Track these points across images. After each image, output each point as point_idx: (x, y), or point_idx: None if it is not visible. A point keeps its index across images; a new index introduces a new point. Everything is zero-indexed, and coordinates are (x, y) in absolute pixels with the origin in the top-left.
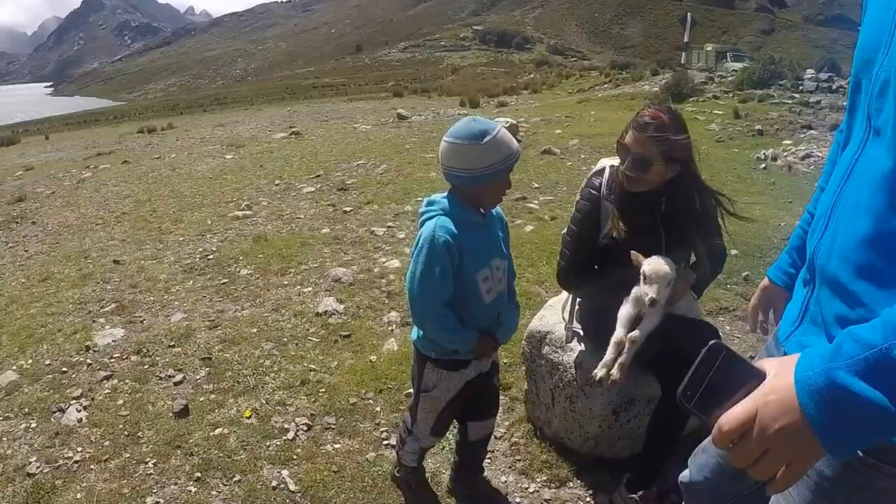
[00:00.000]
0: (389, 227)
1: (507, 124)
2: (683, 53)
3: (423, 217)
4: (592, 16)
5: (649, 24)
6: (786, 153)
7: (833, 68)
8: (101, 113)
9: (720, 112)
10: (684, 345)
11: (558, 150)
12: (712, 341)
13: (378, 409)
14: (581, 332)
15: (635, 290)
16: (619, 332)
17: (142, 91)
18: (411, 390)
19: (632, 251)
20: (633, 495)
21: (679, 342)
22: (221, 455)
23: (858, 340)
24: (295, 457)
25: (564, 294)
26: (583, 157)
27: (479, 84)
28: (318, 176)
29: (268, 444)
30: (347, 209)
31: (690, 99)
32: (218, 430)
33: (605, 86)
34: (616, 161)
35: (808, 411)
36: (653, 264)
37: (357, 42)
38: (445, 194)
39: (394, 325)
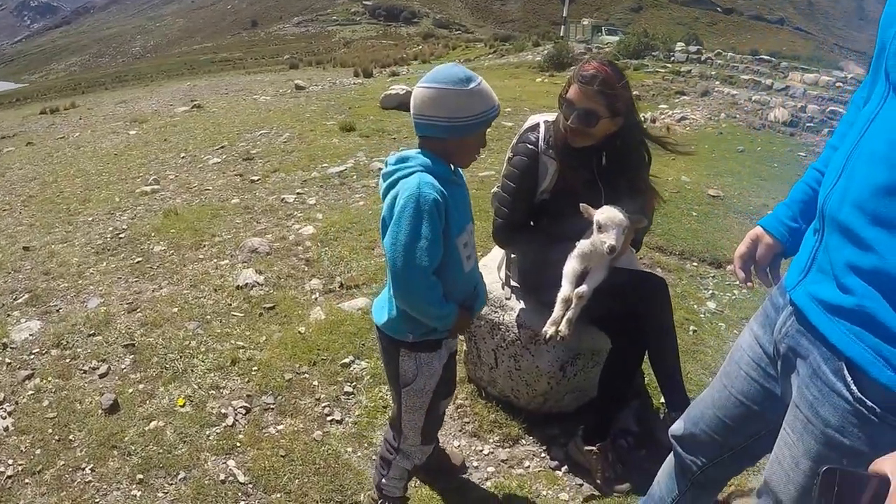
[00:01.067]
0: (299, 193)
1: (403, 91)
2: (562, 27)
3: (397, 174)
4: None
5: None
6: (663, 116)
7: (698, 42)
8: (3, 95)
9: None
10: (631, 297)
11: None
12: (824, 467)
13: (315, 382)
14: (520, 291)
15: (582, 244)
16: (565, 288)
17: (43, 72)
18: (346, 360)
19: (581, 203)
20: (590, 447)
21: (625, 295)
22: (161, 451)
23: None
24: (238, 444)
25: (497, 252)
26: None
27: (371, 55)
28: (223, 147)
29: (207, 433)
30: (255, 178)
31: (571, 67)
32: (153, 424)
33: (490, 56)
34: (549, 117)
35: None
36: (606, 213)
37: (252, 17)
38: (418, 150)
39: (317, 293)
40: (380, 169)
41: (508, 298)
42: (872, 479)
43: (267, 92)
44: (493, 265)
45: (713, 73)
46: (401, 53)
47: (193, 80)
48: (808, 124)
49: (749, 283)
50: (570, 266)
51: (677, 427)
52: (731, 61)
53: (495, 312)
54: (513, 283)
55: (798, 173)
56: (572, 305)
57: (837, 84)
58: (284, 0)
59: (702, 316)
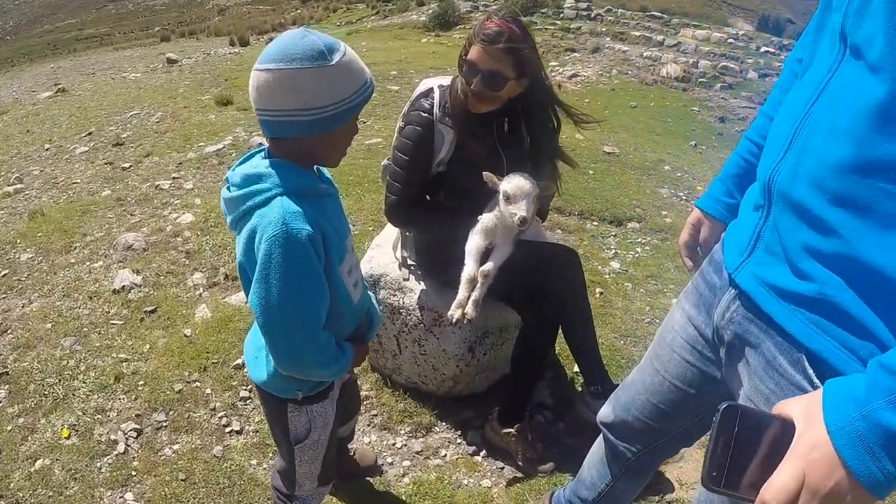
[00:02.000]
0: (175, 178)
1: None
2: None
3: (248, 204)
4: None
5: None
6: (554, 73)
7: None
8: None
9: None
10: (540, 271)
11: None
12: (724, 404)
13: (208, 390)
14: (419, 271)
15: (485, 218)
16: (470, 267)
17: None
18: (239, 361)
19: (485, 172)
20: (507, 429)
21: (535, 269)
22: (52, 494)
23: (894, 372)
24: (134, 473)
25: (391, 230)
26: None
27: (247, 22)
28: (91, 133)
29: (98, 465)
30: (126, 165)
31: (457, 27)
32: (39, 463)
33: (373, 17)
34: (443, 81)
35: (852, 464)
36: (513, 181)
37: None
38: (265, 159)
39: (201, 289)
40: (261, 144)
41: (406, 279)
42: (775, 421)
43: (137, 68)
44: (387, 245)
45: (604, 29)
46: (279, 19)
47: (57, 62)
48: (700, 80)
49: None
50: (474, 242)
51: (606, 413)
52: (622, 17)
53: (394, 296)
54: (410, 263)
55: (692, 128)
56: (478, 285)
57: (729, 40)
58: None
59: (607, 277)
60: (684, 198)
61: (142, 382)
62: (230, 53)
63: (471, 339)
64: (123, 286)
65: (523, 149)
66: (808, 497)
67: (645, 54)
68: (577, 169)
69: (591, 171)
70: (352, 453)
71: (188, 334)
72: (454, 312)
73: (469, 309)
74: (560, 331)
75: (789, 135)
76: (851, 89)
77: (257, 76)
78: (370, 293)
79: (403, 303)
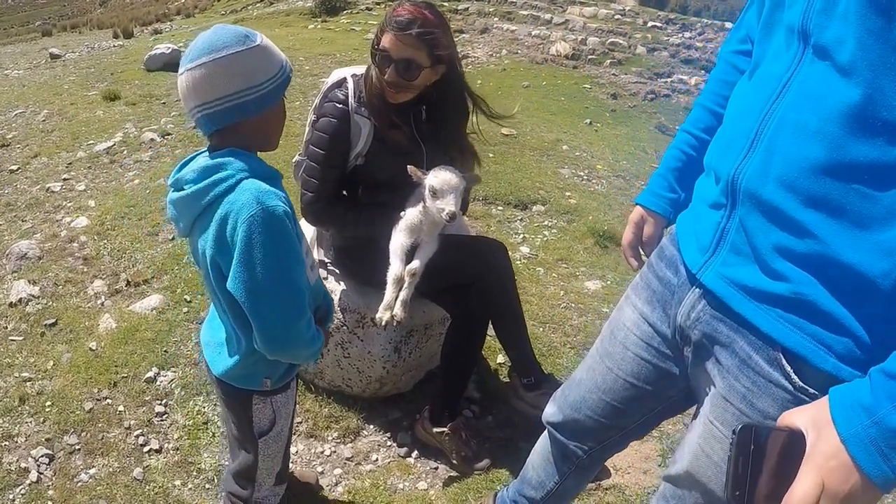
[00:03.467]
0: (66, 179)
1: (170, 50)
2: None
3: (212, 194)
4: None
5: None
6: None
7: None
8: None
9: (375, 22)
10: (468, 266)
11: None
12: (738, 426)
13: (121, 407)
14: (337, 271)
15: (409, 214)
16: (396, 267)
17: None
18: (150, 374)
19: (409, 166)
20: (440, 429)
21: (462, 264)
22: None
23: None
24: (50, 503)
25: (305, 228)
26: None
27: (130, 14)
28: None
29: (11, 497)
30: (14, 168)
31: (344, 12)
32: None
33: (259, 5)
34: (356, 70)
35: (867, 467)
36: (440, 175)
37: None
38: (224, 151)
39: (102, 297)
40: (152, 140)
41: (325, 279)
42: (783, 432)
43: (19, 65)
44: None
45: (491, 9)
46: (162, 9)
47: None
48: (589, 57)
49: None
50: (398, 241)
51: (552, 413)
52: None
53: None
54: (327, 262)
55: (586, 106)
56: (405, 284)
57: (616, 17)
58: None
59: (518, 263)
60: (585, 177)
61: (49, 403)
62: (115, 46)
63: (396, 340)
64: (20, 299)
65: (442, 138)
66: (827, 502)
67: (534, 33)
68: (477, 163)
69: (490, 155)
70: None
71: (93, 348)
72: (382, 315)
73: (398, 310)
74: (492, 326)
75: (751, 133)
76: (819, 90)
77: (191, 75)
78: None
79: None
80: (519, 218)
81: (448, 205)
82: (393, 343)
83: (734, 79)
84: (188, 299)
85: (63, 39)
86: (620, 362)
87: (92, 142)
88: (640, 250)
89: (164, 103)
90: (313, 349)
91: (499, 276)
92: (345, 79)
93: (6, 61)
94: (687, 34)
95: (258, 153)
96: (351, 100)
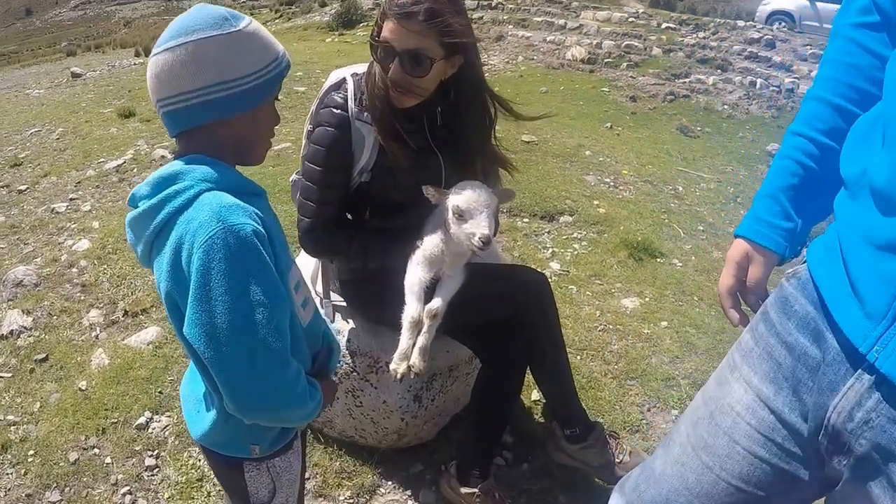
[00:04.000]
0: (72, 199)
1: None
2: None
3: (166, 211)
4: None
5: None
6: None
7: None
8: None
9: None
10: (503, 303)
11: None
12: None
13: (108, 459)
14: (345, 306)
15: (428, 244)
16: (413, 308)
17: None
18: (142, 419)
19: (425, 186)
20: (470, 489)
21: (496, 301)
22: None
23: None
24: None
25: (308, 257)
26: None
27: (152, 33)
28: None
29: None
30: (23, 188)
31: (361, 24)
32: None
33: (277, 21)
34: (357, 69)
35: None
36: (465, 193)
37: (26, 5)
38: (185, 158)
39: (97, 329)
40: (163, 157)
41: (331, 319)
42: None
43: (41, 84)
44: (304, 274)
45: (505, 17)
46: None
47: None
48: (606, 60)
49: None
50: (415, 275)
51: None
52: (523, 4)
53: None
54: (334, 297)
55: (605, 109)
56: (424, 328)
57: (630, 19)
58: None
59: (549, 282)
60: (612, 184)
61: (32, 452)
62: (135, 64)
63: (416, 387)
64: (12, 330)
65: (463, 147)
66: None
67: (548, 39)
68: (510, 172)
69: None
70: None
71: (83, 388)
72: (398, 366)
73: (416, 360)
74: (531, 373)
75: None
76: None
77: (155, 61)
78: (324, 316)
79: None
80: (546, 230)
81: (479, 227)
82: (412, 391)
83: (862, 61)
84: None
85: (86, 59)
86: (725, 460)
87: (102, 160)
88: (743, 298)
89: None
90: (306, 410)
91: (540, 315)
92: (343, 79)
93: (29, 81)
94: (701, 34)
95: (238, 166)
96: (351, 104)
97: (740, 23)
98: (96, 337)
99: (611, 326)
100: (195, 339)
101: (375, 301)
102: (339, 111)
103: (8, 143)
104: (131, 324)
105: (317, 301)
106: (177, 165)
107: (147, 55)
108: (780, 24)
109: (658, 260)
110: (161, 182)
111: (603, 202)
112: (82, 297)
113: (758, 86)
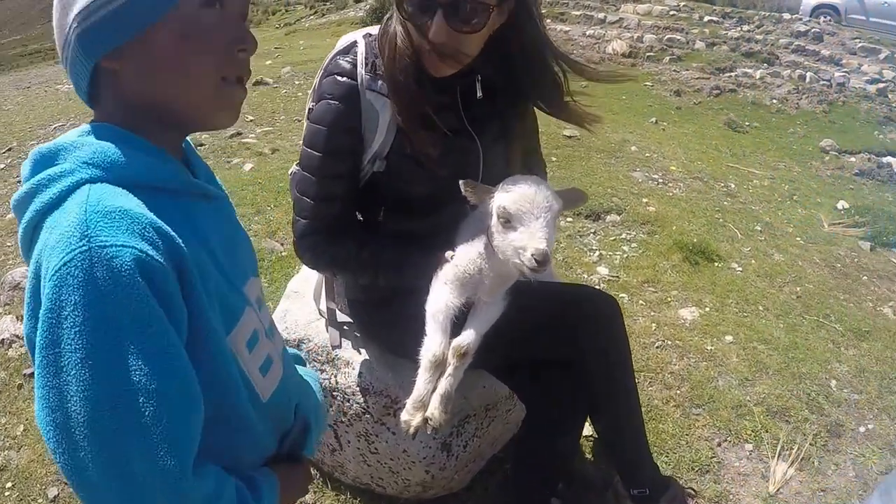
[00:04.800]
0: None
1: None
2: None
3: (33, 209)
4: None
5: None
6: None
7: None
8: None
9: None
10: (559, 337)
11: (271, 79)
12: None
13: None
14: (355, 332)
15: (463, 257)
16: (435, 342)
17: None
18: None
19: (463, 182)
20: None
21: (550, 334)
22: None
23: None
24: None
25: (311, 271)
26: (297, 83)
27: None
28: (10, 149)
29: None
30: None
31: None
32: None
33: (311, 17)
34: (372, 30)
35: None
36: (517, 193)
37: None
38: (87, 126)
39: None
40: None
41: (337, 346)
42: None
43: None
44: (307, 290)
45: (543, 11)
46: None
47: None
48: (647, 54)
49: None
50: (441, 299)
51: None
52: None
53: (323, 369)
54: (342, 317)
55: (649, 104)
56: (449, 370)
57: (671, 12)
58: None
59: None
60: (660, 181)
61: (10, 485)
62: None
63: (444, 433)
64: (3, 339)
65: (507, 128)
66: None
67: (588, 33)
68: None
69: (553, 159)
70: None
71: None
72: (411, 417)
73: (434, 410)
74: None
75: None
76: None
77: None
78: (305, 371)
79: (337, 382)
80: (592, 231)
81: (533, 240)
82: (439, 438)
83: None
84: None
85: None
86: None
87: None
88: None
89: None
90: None
91: (610, 359)
92: (354, 42)
93: (61, 77)
94: (745, 27)
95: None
96: (360, 69)
97: (786, 15)
98: None
99: (669, 342)
100: (43, 429)
101: (393, 326)
102: (344, 79)
103: (31, 139)
104: None
105: (320, 322)
106: (68, 137)
107: None
108: (825, 17)
109: (716, 264)
110: (38, 161)
111: (652, 200)
112: None
113: (807, 80)
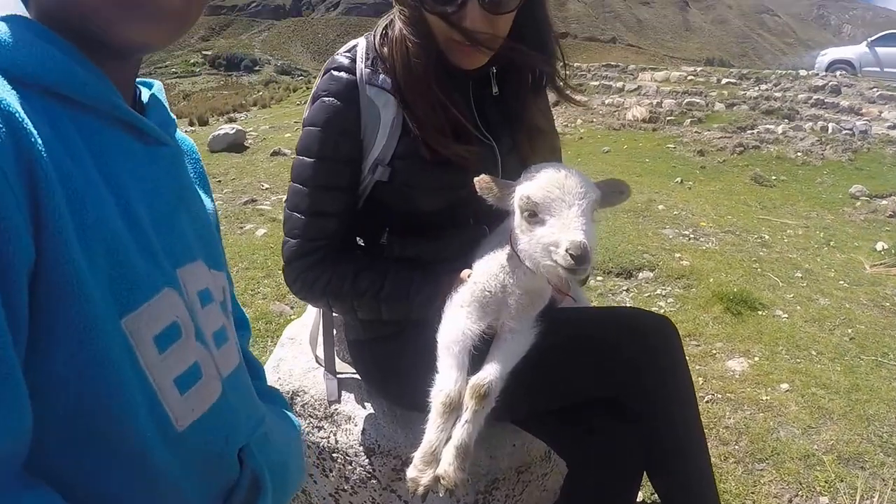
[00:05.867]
0: None
1: (234, 131)
2: None
3: None
4: (316, 36)
5: None
6: None
7: None
8: None
9: None
10: (605, 372)
11: (288, 150)
12: None
13: None
14: (358, 383)
15: (484, 271)
16: (448, 379)
17: None
18: None
19: (480, 177)
20: None
21: (589, 371)
22: None
23: None
24: None
25: (312, 312)
26: None
27: (209, 105)
28: None
29: None
30: None
31: None
32: None
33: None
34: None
35: None
36: (542, 178)
37: None
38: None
39: None
40: None
41: (336, 401)
42: None
43: None
44: (303, 336)
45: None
46: (240, 100)
47: None
48: (668, 118)
49: None
50: (457, 325)
51: None
52: (579, 71)
53: (321, 426)
54: (342, 366)
55: (673, 165)
56: (466, 415)
57: (689, 78)
58: None
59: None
60: (692, 236)
61: None
62: (186, 131)
63: (463, 497)
64: None
65: (524, 128)
66: None
67: (607, 101)
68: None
69: None
70: None
71: None
72: (420, 474)
73: (448, 467)
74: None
75: None
76: None
77: None
78: (281, 413)
79: (337, 441)
80: (625, 288)
81: (567, 231)
82: None
83: None
84: None
85: None
86: None
87: None
88: None
89: (219, 181)
90: None
91: (680, 390)
92: (355, 44)
93: None
94: (763, 86)
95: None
96: (360, 64)
97: (802, 72)
98: None
99: (720, 395)
100: None
101: (401, 372)
102: (342, 74)
103: None
104: None
105: (318, 371)
106: None
107: (200, 124)
108: (840, 72)
109: (759, 312)
110: None
111: (685, 254)
112: None
113: (830, 130)
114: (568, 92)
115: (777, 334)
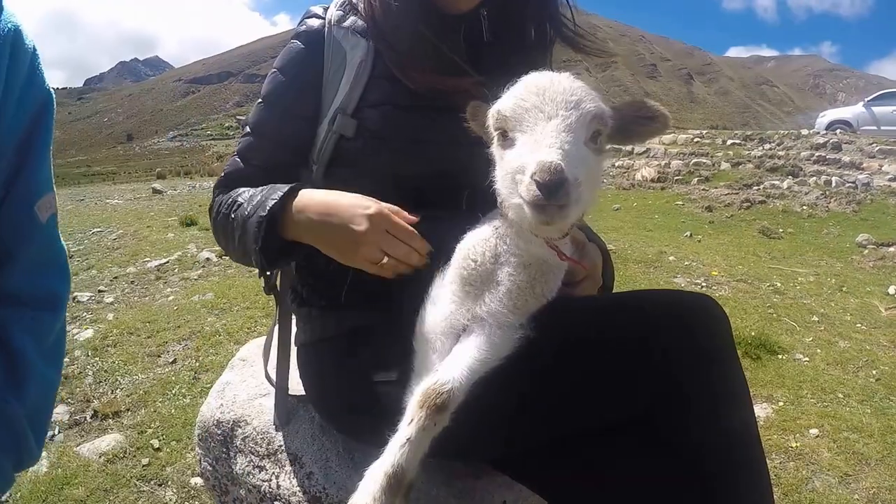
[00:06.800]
0: (100, 291)
1: None
2: None
3: None
4: None
5: None
6: None
7: None
8: None
9: None
10: (620, 375)
11: None
12: None
13: None
14: (312, 403)
15: (475, 240)
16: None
17: None
18: None
19: (472, 103)
20: None
21: (614, 376)
22: None
23: None
24: None
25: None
26: None
27: None
28: None
29: None
30: None
31: None
32: None
33: None
34: None
35: None
36: (521, 83)
37: (128, 131)
38: None
39: (56, 428)
40: (208, 259)
41: (282, 426)
42: None
43: (123, 197)
44: (256, 357)
45: None
46: None
47: (57, 191)
48: (676, 177)
49: None
50: (440, 308)
51: None
52: None
53: (262, 468)
54: (295, 388)
55: (682, 220)
56: (407, 435)
57: (695, 140)
58: (160, 115)
59: None
60: (704, 285)
61: None
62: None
63: None
64: None
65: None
66: None
67: (616, 164)
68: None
69: None
70: None
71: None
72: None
73: (366, 500)
74: None
75: None
76: None
77: None
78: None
79: (279, 487)
80: None
81: (536, 151)
82: None
83: None
84: (156, 445)
85: (173, 182)
86: None
87: (148, 259)
88: None
89: None
90: None
91: (741, 397)
92: None
93: (114, 194)
94: (767, 146)
95: None
96: (332, 10)
97: (804, 131)
98: (51, 437)
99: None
100: None
101: (359, 389)
102: (311, 20)
103: (68, 239)
104: (95, 427)
105: (266, 398)
106: None
107: None
108: (840, 130)
109: (779, 356)
110: None
111: None
112: (58, 390)
113: (833, 184)
114: (580, 42)
115: (800, 378)
